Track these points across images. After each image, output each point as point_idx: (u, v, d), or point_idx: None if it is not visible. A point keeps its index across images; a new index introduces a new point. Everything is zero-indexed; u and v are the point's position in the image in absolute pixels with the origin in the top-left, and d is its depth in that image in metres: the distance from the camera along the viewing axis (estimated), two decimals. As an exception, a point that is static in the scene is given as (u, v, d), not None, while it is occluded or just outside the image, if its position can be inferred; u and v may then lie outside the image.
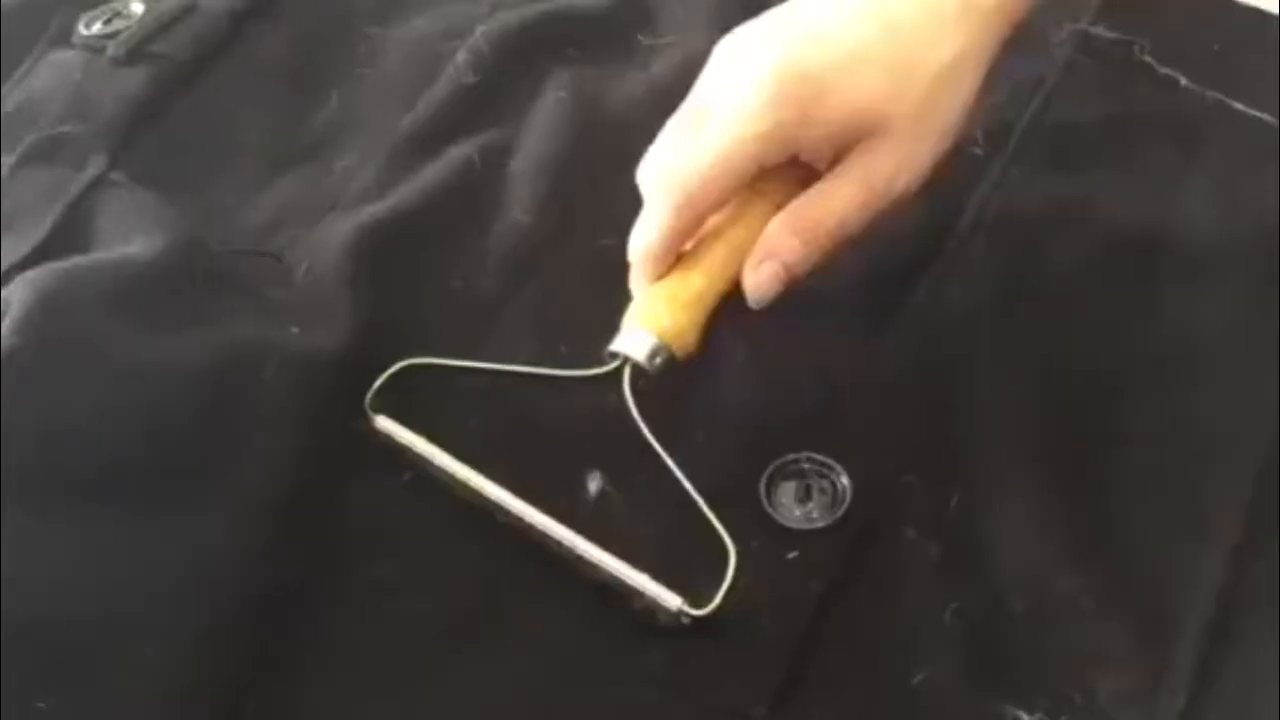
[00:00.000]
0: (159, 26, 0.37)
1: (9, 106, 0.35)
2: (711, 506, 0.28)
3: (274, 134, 0.36)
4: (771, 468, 0.28)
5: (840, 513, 0.28)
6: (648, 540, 0.27)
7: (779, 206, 0.28)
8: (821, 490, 0.28)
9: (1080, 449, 0.29)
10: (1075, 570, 0.27)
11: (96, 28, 0.37)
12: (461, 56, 0.37)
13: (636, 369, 0.27)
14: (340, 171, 0.35)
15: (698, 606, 0.25)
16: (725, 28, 0.37)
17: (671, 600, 0.26)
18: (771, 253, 0.28)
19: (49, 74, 0.36)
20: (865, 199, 0.28)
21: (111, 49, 0.36)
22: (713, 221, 0.28)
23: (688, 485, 0.26)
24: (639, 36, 0.38)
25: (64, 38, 0.37)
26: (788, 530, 0.28)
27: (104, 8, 0.37)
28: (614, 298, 0.30)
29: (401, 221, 0.33)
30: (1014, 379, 0.30)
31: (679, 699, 0.26)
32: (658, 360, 0.27)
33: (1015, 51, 0.36)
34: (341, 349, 0.30)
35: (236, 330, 0.30)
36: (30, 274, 0.29)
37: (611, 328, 0.29)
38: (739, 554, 0.25)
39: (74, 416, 0.27)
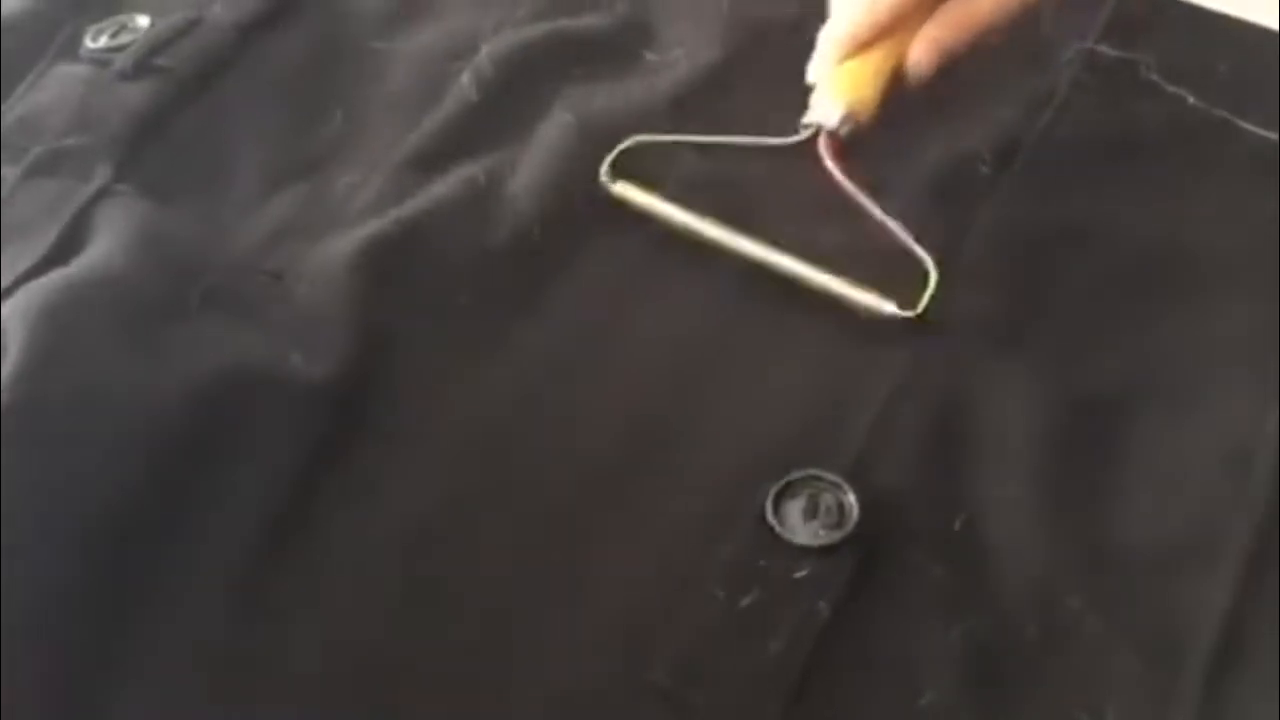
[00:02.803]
0: (164, 40, 0.37)
1: (14, 119, 0.35)
2: (715, 525, 0.28)
3: (278, 149, 0.36)
4: (778, 486, 0.28)
5: (847, 531, 0.27)
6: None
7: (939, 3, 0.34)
8: (828, 509, 0.28)
9: (1087, 468, 0.29)
10: (1082, 591, 0.27)
11: (103, 41, 0.37)
12: (466, 76, 0.37)
13: (829, 135, 0.32)
14: (343, 188, 0.35)
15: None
16: (732, 43, 0.37)
17: (889, 306, 0.31)
18: (932, 36, 0.33)
19: (55, 87, 0.36)
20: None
21: (117, 62, 0.36)
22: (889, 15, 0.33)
23: (889, 221, 0.32)
24: (645, 53, 0.38)
25: (71, 51, 0.37)
26: (796, 548, 0.27)
27: (111, 21, 0.37)
28: (624, 315, 0.30)
29: (405, 238, 0.33)
30: (1020, 397, 0.30)
31: (688, 718, 0.26)
32: (846, 127, 0.32)
33: (1022, 69, 0.37)
34: (341, 369, 0.30)
35: (237, 353, 0.30)
36: (29, 301, 0.29)
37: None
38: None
39: (80, 460, 0.27)
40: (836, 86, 0.33)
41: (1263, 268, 0.33)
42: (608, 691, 0.26)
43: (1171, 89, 0.36)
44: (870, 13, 0.33)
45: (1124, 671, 0.26)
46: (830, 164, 0.32)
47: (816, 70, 0.34)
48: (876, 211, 0.32)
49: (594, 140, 0.35)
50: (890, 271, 0.32)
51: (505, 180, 0.34)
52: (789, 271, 0.32)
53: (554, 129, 0.36)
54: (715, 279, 0.33)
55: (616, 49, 0.38)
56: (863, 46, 0.33)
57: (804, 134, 0.33)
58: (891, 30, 0.33)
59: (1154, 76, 0.37)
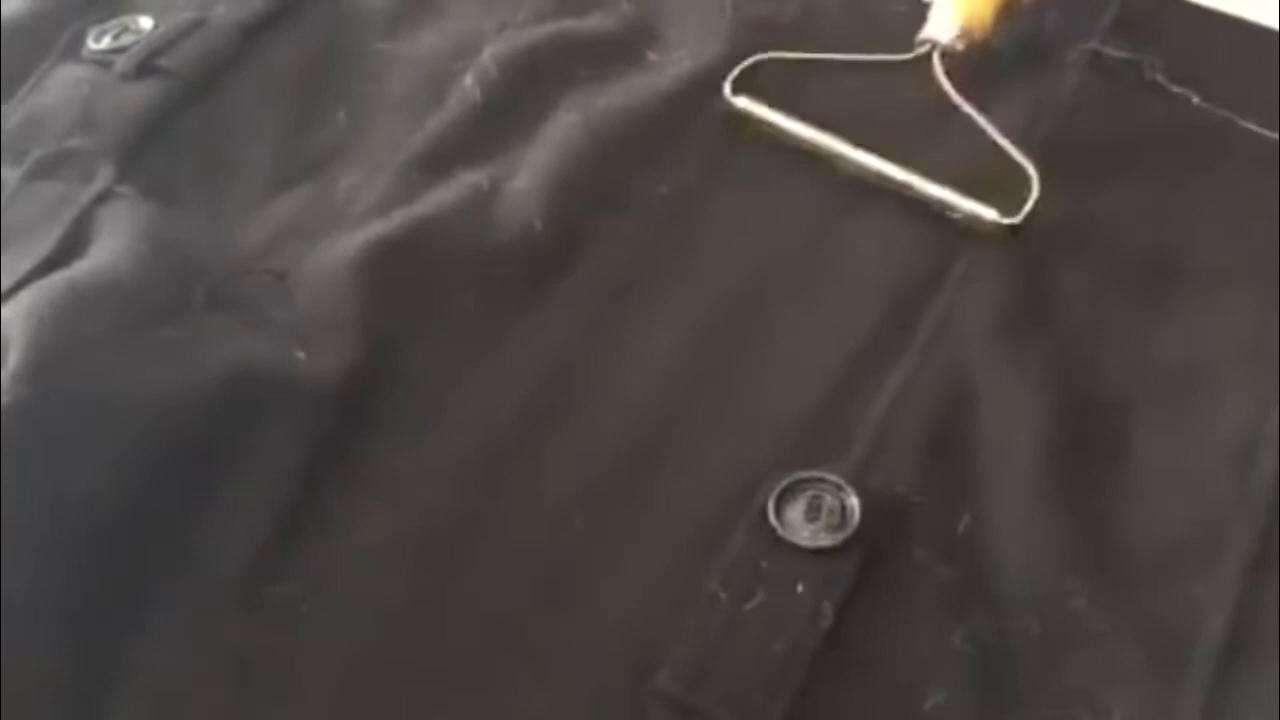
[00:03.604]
0: (167, 41, 0.37)
1: (17, 120, 0.35)
2: (718, 527, 0.28)
3: (281, 150, 0.36)
4: (780, 486, 0.28)
5: (849, 532, 0.27)
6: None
7: None
8: (830, 510, 0.28)
9: (1090, 468, 0.29)
10: (1086, 591, 0.27)
11: (105, 42, 0.37)
12: (470, 77, 0.37)
13: (943, 51, 0.34)
14: (347, 189, 0.35)
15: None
16: (736, 42, 0.37)
17: (989, 213, 0.33)
18: None
19: (58, 88, 0.36)
20: None
21: (120, 64, 0.36)
22: None
23: (997, 135, 0.33)
24: (649, 54, 0.38)
25: (74, 52, 0.37)
26: (799, 550, 0.27)
27: (114, 22, 0.37)
28: (635, 312, 0.31)
29: (408, 239, 0.33)
30: (1024, 398, 0.30)
31: None
32: (961, 43, 0.34)
33: (1027, 71, 0.37)
34: (346, 370, 0.30)
35: (242, 353, 0.30)
36: (31, 303, 0.29)
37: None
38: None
39: (82, 462, 0.27)
40: (954, 4, 0.34)
41: (1265, 268, 0.33)
42: (612, 696, 0.26)
43: (1176, 89, 0.36)
44: None
45: (1129, 671, 0.26)
46: (943, 79, 0.34)
47: None
48: (986, 125, 0.33)
49: (599, 139, 0.35)
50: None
51: (509, 181, 0.34)
52: (898, 180, 0.34)
53: (558, 130, 0.36)
54: (723, 269, 0.33)
55: (621, 50, 0.38)
56: None
57: (920, 50, 0.34)
58: None
59: (1158, 77, 0.37)
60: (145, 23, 0.37)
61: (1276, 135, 0.35)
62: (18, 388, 0.27)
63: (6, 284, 0.30)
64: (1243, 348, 0.31)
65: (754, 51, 0.37)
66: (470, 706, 0.26)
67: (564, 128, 0.36)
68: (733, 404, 0.31)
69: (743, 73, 0.36)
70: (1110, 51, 0.37)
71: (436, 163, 0.35)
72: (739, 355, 0.32)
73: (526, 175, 0.35)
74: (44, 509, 0.26)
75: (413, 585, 0.28)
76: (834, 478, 0.28)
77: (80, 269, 0.30)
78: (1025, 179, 0.32)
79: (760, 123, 0.36)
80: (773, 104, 0.35)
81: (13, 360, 0.27)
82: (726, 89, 0.36)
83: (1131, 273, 0.33)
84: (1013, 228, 0.32)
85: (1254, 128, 0.36)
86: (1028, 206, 0.32)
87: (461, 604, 0.28)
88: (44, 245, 0.32)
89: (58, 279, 0.30)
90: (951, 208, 0.33)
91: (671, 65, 0.37)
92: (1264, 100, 0.36)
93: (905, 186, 0.34)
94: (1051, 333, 0.31)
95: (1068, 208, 0.34)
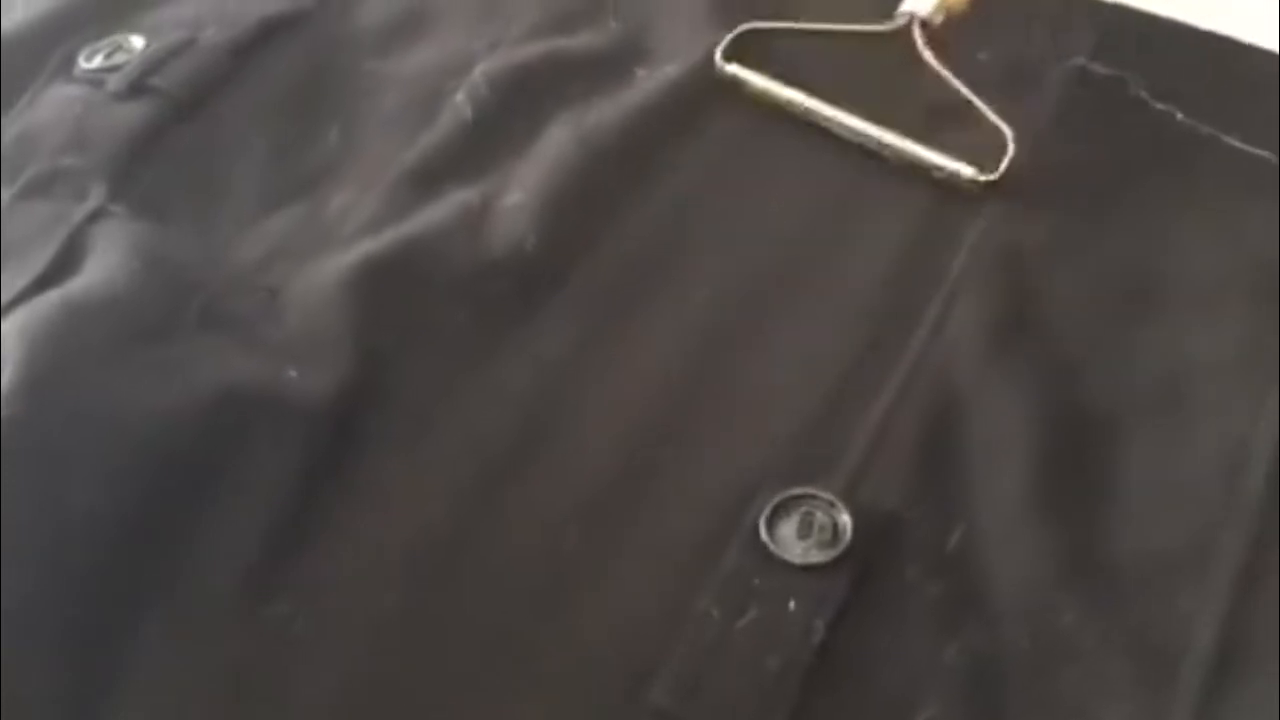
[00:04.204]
0: (159, 60, 0.37)
1: (10, 140, 0.35)
2: (710, 544, 0.28)
3: (273, 168, 0.36)
4: (773, 503, 0.28)
5: (841, 549, 0.28)
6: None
7: None
8: (821, 527, 0.28)
9: (1080, 482, 0.29)
10: (1077, 604, 0.27)
11: (98, 61, 0.37)
12: (461, 95, 0.37)
13: (922, 23, 0.36)
14: (338, 207, 0.35)
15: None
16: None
17: (968, 170, 0.34)
18: None
19: (50, 107, 0.36)
20: None
21: (112, 83, 0.36)
22: None
23: (975, 99, 0.35)
24: (638, 70, 0.38)
25: (66, 71, 0.37)
26: (791, 566, 0.28)
27: (106, 41, 0.37)
28: (628, 327, 0.31)
29: (400, 257, 0.33)
30: (1012, 414, 0.30)
31: None
32: (940, 15, 0.36)
33: (1013, 87, 0.37)
34: (338, 388, 0.30)
35: (234, 371, 0.30)
36: (25, 321, 0.29)
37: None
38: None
39: (76, 480, 0.27)
40: None
41: (1250, 282, 0.33)
42: (606, 712, 0.26)
43: (1160, 106, 0.37)
44: None
45: (1120, 684, 0.27)
46: (923, 50, 0.35)
47: None
48: (964, 90, 0.35)
49: (590, 155, 0.35)
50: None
51: (501, 198, 0.35)
52: (884, 142, 0.35)
53: (550, 146, 0.36)
54: (714, 284, 0.33)
55: (611, 67, 0.38)
56: None
57: (899, 21, 0.36)
58: None
59: (1143, 93, 0.37)
60: (137, 42, 0.37)
61: (1259, 151, 0.36)
62: (13, 404, 0.27)
63: (4, 300, 0.30)
64: (1229, 361, 0.31)
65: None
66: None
67: (555, 144, 0.36)
68: (725, 419, 0.31)
69: (732, 44, 0.37)
70: (1095, 68, 0.38)
71: (428, 180, 0.35)
72: (731, 369, 0.32)
73: (518, 192, 0.35)
74: (40, 525, 0.27)
75: (406, 601, 0.28)
76: (826, 494, 0.28)
77: (74, 287, 0.30)
78: (1002, 140, 0.34)
79: (752, 89, 0.37)
80: (763, 72, 0.37)
81: (7, 377, 0.27)
82: (718, 56, 0.37)
83: (1118, 287, 0.33)
84: (990, 184, 0.34)
85: (1238, 144, 0.36)
86: (1004, 163, 0.34)
87: (455, 620, 0.28)
88: (37, 263, 0.32)
89: (52, 297, 0.30)
90: (935, 167, 0.34)
91: (657, 78, 0.38)
92: (1248, 116, 0.36)
93: (890, 148, 0.35)
94: (1040, 346, 0.32)
95: (1055, 222, 0.34)
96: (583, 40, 0.39)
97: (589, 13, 0.40)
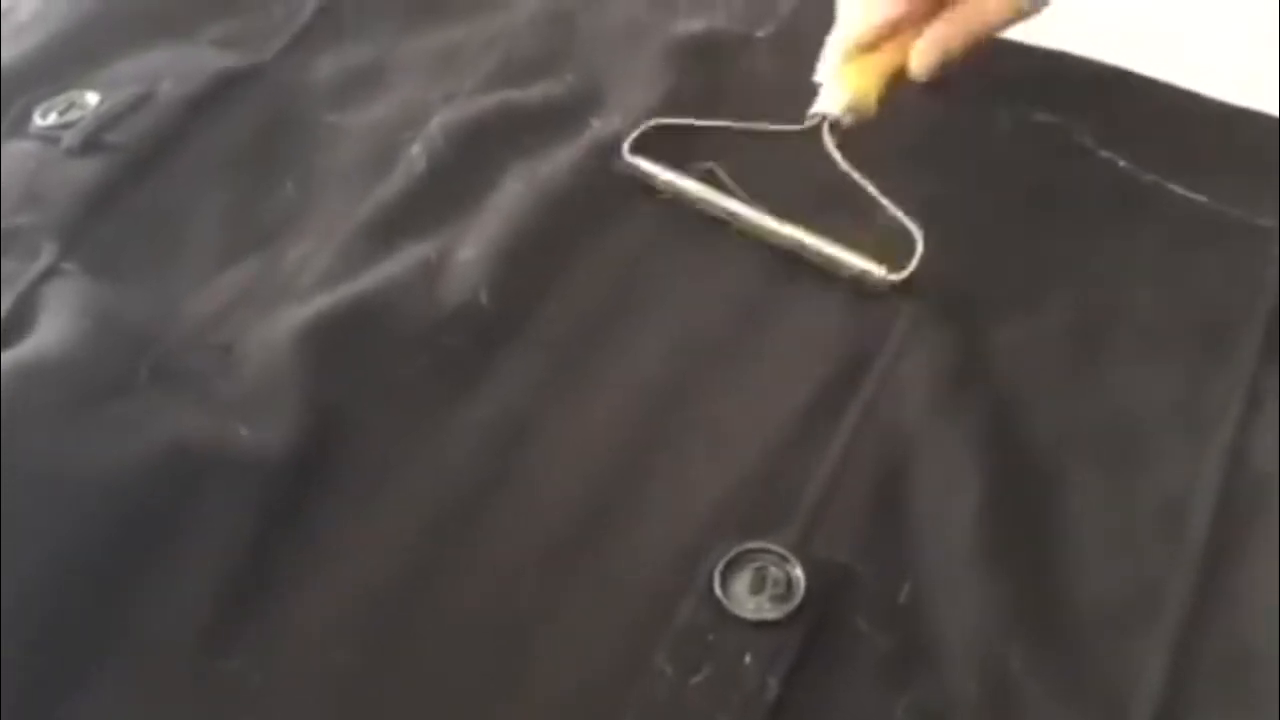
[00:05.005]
0: (113, 117, 0.37)
1: (-38, 198, 0.35)
2: (664, 599, 0.28)
3: (229, 223, 0.36)
4: (726, 559, 0.28)
5: (795, 604, 0.28)
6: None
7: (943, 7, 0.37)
8: (775, 581, 0.28)
9: (1027, 530, 0.30)
10: (1025, 653, 0.28)
11: (52, 118, 0.37)
12: (417, 147, 0.37)
13: (833, 124, 0.36)
14: (294, 260, 0.35)
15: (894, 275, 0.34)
16: (669, 104, 0.38)
17: (879, 270, 0.34)
18: (936, 39, 0.36)
19: (4, 165, 0.36)
20: (1011, 7, 0.36)
21: (66, 139, 0.36)
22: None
23: (883, 200, 0.35)
24: (592, 120, 0.39)
25: (21, 128, 0.37)
26: (745, 623, 0.28)
27: (60, 98, 0.37)
28: (582, 379, 0.32)
29: (354, 313, 0.33)
30: (961, 463, 0.31)
31: None
32: (849, 118, 0.36)
33: (956, 134, 0.38)
34: (291, 444, 0.30)
35: (185, 427, 0.30)
36: None
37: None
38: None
39: (29, 539, 0.27)
40: (842, 82, 0.36)
41: (1192, 328, 0.34)
42: None
43: (1104, 153, 0.37)
44: (872, 20, 0.36)
45: None
46: (833, 150, 0.36)
47: (824, 67, 0.37)
48: (873, 190, 0.35)
49: (543, 206, 0.36)
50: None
51: (455, 252, 0.35)
52: (792, 240, 0.35)
53: (504, 198, 0.36)
54: (667, 335, 0.34)
55: (565, 118, 0.39)
56: (866, 50, 0.37)
57: (810, 122, 0.36)
58: (894, 34, 0.37)
59: (1086, 140, 0.38)
60: (92, 98, 0.37)
61: (1200, 198, 0.36)
62: None
63: None
64: (1173, 407, 0.32)
65: (684, 113, 0.38)
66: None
67: (510, 196, 0.36)
68: (678, 472, 0.31)
69: (639, 139, 0.37)
70: (1038, 115, 0.38)
71: (383, 233, 0.35)
72: (683, 422, 0.32)
73: (472, 245, 0.35)
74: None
75: (361, 656, 0.28)
76: (778, 549, 0.29)
77: (24, 349, 0.30)
78: (911, 240, 0.34)
79: (657, 183, 0.37)
80: (672, 164, 0.37)
81: None
82: (625, 149, 0.37)
83: (1062, 334, 0.34)
84: (897, 284, 0.34)
85: (1181, 191, 0.37)
86: (913, 264, 0.34)
87: (409, 675, 0.28)
88: (-11, 325, 0.32)
89: (5, 359, 0.30)
90: (844, 266, 0.35)
91: (609, 129, 0.38)
92: (1191, 163, 0.37)
93: (798, 244, 0.35)
94: (986, 396, 0.32)
95: (998, 269, 0.35)
96: (537, 92, 0.39)
97: (543, 65, 0.40)
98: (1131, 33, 0.41)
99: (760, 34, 0.41)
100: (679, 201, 0.37)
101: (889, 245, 0.34)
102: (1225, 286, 0.35)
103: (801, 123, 0.36)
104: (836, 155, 0.35)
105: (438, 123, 0.38)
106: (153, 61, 0.39)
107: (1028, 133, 0.38)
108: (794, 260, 0.35)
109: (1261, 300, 0.34)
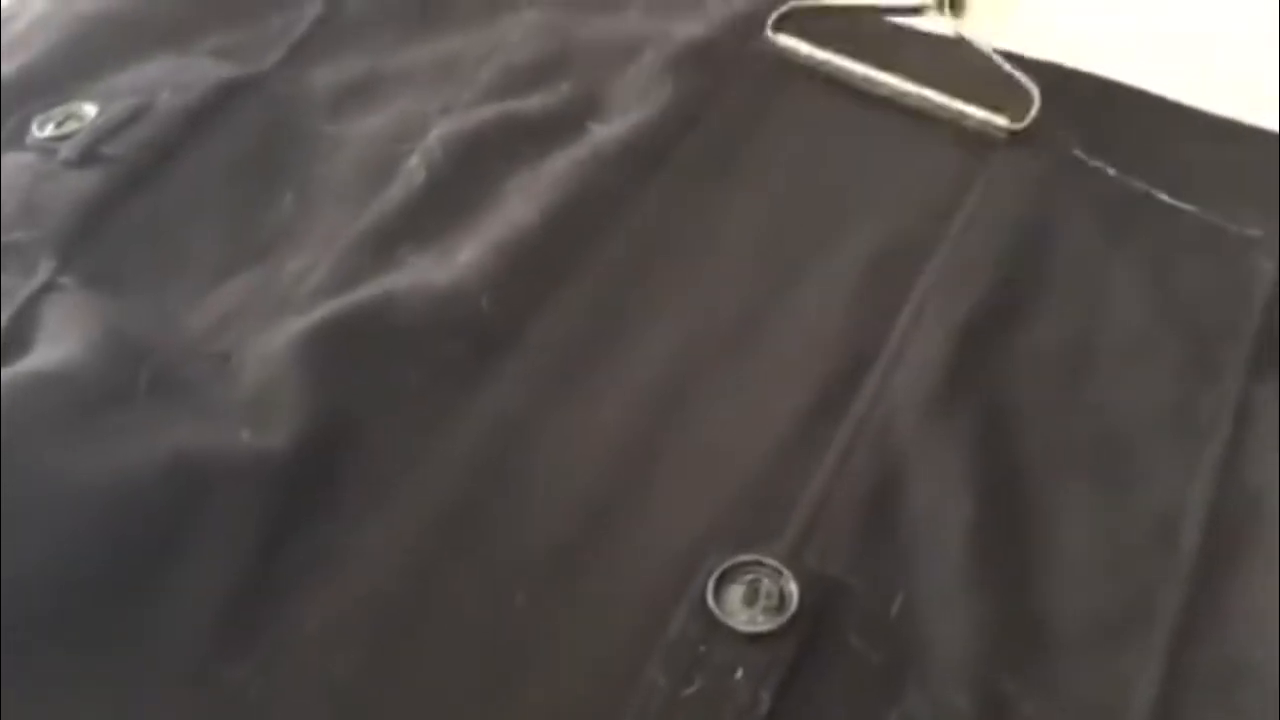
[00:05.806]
0: (111, 128, 0.37)
1: (-39, 212, 0.35)
2: (657, 606, 0.28)
3: (227, 234, 0.36)
4: (720, 569, 0.29)
5: (787, 617, 0.28)
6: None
7: None
8: (768, 593, 0.28)
9: (1019, 545, 0.30)
10: (1015, 671, 0.28)
11: (50, 130, 0.37)
12: (415, 158, 0.37)
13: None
14: (292, 273, 0.35)
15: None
16: (672, 104, 0.38)
17: (1000, 119, 0.38)
18: None
19: (3, 178, 0.36)
20: None
21: (63, 151, 0.36)
22: None
23: (995, 56, 0.40)
24: (591, 125, 0.39)
25: (18, 140, 0.37)
26: (737, 635, 0.28)
27: (58, 110, 0.37)
28: (581, 388, 0.32)
29: (355, 320, 0.33)
30: (953, 476, 0.31)
31: None
32: None
33: (948, 148, 0.38)
34: (292, 450, 0.30)
35: (185, 437, 0.30)
36: None
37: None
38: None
39: (34, 553, 0.27)
40: None
41: (1182, 339, 0.34)
42: None
43: (1094, 163, 0.38)
44: None
45: None
46: (946, 11, 0.40)
47: None
48: (989, 51, 0.39)
49: (543, 213, 0.36)
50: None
51: (455, 260, 0.35)
52: (921, 95, 0.39)
53: (503, 206, 0.36)
54: (666, 342, 0.34)
55: (563, 125, 0.39)
56: None
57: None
58: None
59: (1076, 150, 0.38)
60: (89, 110, 0.37)
61: (1189, 207, 0.37)
62: None
63: None
64: (1164, 420, 0.32)
65: (685, 120, 0.38)
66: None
67: (509, 205, 0.36)
68: (673, 482, 0.31)
69: (779, 19, 0.41)
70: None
71: (383, 244, 0.36)
72: (680, 432, 0.32)
73: (472, 254, 0.35)
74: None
75: (362, 665, 0.28)
76: (772, 561, 0.29)
77: (23, 365, 0.31)
78: (1028, 96, 0.38)
79: (804, 59, 0.41)
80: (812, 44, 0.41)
81: None
82: (768, 30, 0.41)
83: (1053, 345, 0.34)
84: (1019, 132, 0.38)
85: (1170, 200, 0.37)
86: (1032, 113, 0.38)
87: (407, 682, 0.28)
88: (-13, 340, 0.32)
89: (5, 375, 0.30)
90: (968, 116, 0.38)
91: (611, 129, 0.38)
92: (1180, 173, 0.37)
93: (927, 100, 0.39)
94: (979, 409, 0.32)
95: (990, 279, 0.35)
96: (536, 101, 0.39)
97: (542, 74, 0.40)
98: (1125, 47, 0.41)
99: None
100: (822, 74, 0.40)
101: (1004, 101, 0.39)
102: (1215, 297, 0.35)
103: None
104: (954, 23, 0.40)
105: (436, 134, 0.38)
106: (151, 73, 0.39)
107: (1017, 143, 0.38)
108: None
109: (1251, 312, 0.34)
